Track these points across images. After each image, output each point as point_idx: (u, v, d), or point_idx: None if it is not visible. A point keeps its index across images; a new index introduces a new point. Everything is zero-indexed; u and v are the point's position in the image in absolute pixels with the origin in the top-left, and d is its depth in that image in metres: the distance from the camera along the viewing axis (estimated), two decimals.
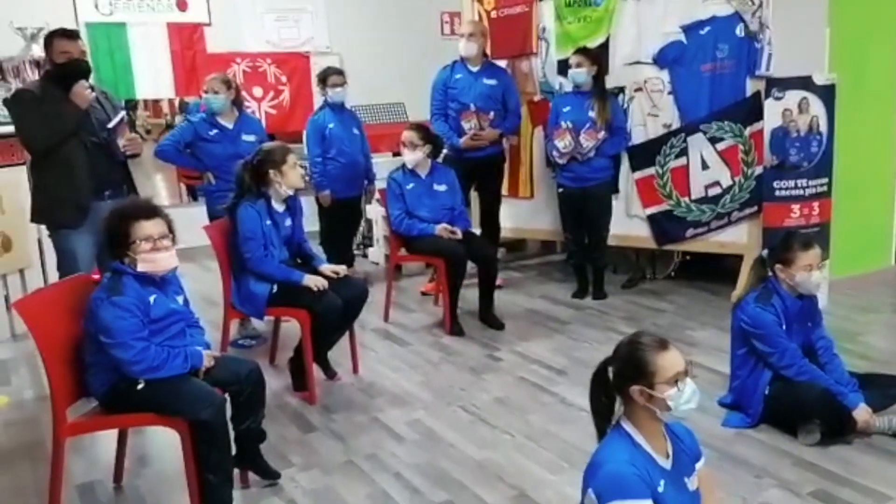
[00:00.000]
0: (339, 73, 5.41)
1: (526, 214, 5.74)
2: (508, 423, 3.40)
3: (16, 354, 4.47)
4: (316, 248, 4.24)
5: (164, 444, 3.19)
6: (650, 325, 4.58)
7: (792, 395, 3.13)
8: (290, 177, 3.66)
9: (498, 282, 5.49)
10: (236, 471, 2.86)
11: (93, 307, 2.56)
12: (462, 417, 3.49)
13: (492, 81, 5.22)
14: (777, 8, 4.64)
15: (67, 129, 3.67)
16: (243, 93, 6.73)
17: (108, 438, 3.14)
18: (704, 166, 4.97)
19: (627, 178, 5.24)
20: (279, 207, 3.71)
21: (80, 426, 2.65)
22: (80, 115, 3.68)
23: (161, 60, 6.69)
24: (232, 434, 2.76)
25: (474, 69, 5.22)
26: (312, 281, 3.65)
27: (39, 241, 4.91)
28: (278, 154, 3.65)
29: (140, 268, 2.61)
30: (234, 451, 2.78)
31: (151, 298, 2.62)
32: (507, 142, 5.46)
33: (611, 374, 2.08)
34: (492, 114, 5.22)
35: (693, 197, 5.04)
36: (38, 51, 5.85)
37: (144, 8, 6.65)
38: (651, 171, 5.14)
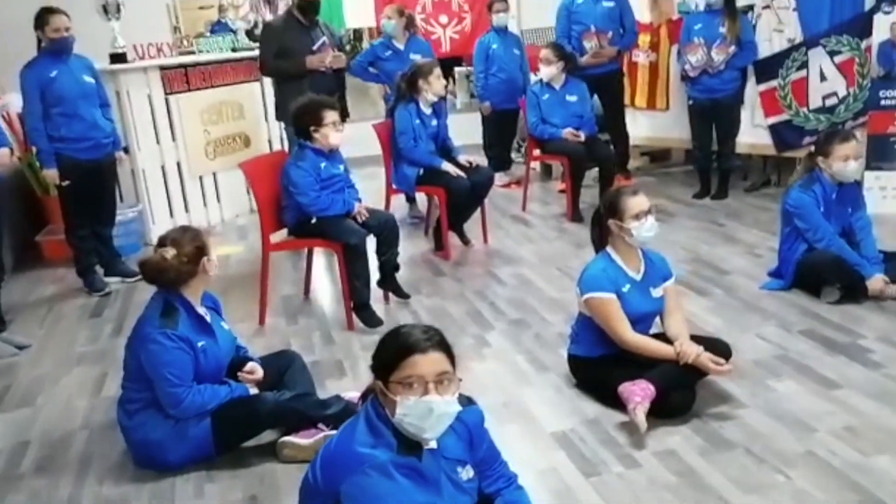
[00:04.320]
0: (503, 0, 6.40)
1: (661, 125, 6.39)
2: None
3: (251, 223, 6.07)
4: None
5: (333, 274, 4.55)
6: (749, 220, 5.22)
7: (813, 261, 3.78)
8: (435, 86, 4.77)
9: (629, 184, 6.31)
10: (380, 291, 4.13)
11: (285, 168, 3.88)
12: (554, 273, 4.50)
13: (610, 4, 5.93)
14: None
15: (288, 72, 5.09)
16: (430, 20, 7.99)
17: (300, 268, 4.56)
18: (823, 78, 5.37)
19: (753, 89, 5.74)
20: (427, 110, 4.83)
21: (278, 245, 4.04)
22: (303, 68, 5.04)
23: None
24: (376, 264, 4.02)
25: None
26: (449, 166, 4.77)
27: (269, 142, 6.47)
28: (426, 68, 4.77)
29: (331, 140, 3.85)
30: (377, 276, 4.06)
31: (322, 164, 3.89)
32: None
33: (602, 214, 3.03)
34: (610, 33, 5.95)
35: (811, 107, 5.46)
36: None
37: None
38: (774, 83, 5.60)
